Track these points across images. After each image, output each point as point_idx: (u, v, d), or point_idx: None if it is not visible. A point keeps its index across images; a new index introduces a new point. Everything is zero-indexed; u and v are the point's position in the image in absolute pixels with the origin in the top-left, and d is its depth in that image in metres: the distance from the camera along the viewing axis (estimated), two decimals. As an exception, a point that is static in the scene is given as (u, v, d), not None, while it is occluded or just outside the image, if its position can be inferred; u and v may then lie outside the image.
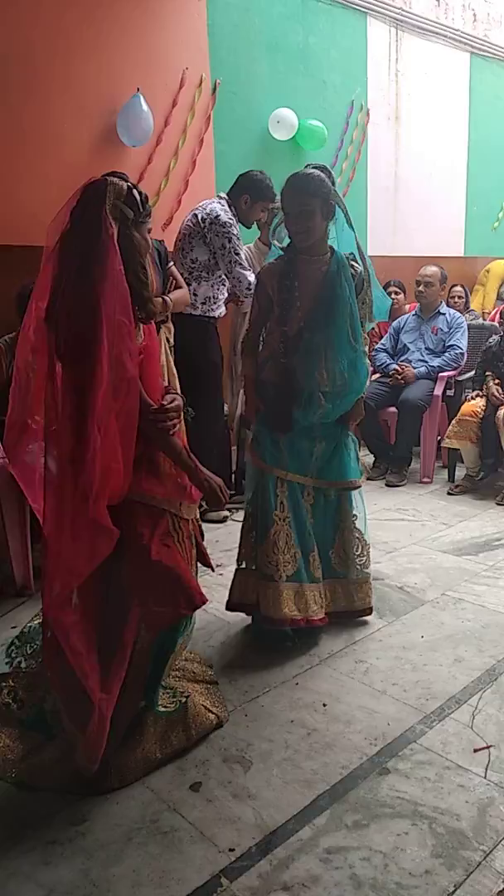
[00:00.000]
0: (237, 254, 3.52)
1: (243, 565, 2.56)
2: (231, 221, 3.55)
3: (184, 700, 1.99)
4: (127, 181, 1.75)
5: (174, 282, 3.12)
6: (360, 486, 2.62)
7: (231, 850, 1.62)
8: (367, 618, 2.68)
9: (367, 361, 2.53)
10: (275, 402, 2.44)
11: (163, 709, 1.94)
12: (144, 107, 3.94)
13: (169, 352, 3.10)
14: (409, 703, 2.15)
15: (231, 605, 2.58)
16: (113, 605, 1.81)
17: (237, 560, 2.58)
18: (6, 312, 3.17)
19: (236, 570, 2.57)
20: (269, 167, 3.79)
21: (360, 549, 2.65)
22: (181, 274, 3.32)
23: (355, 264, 2.43)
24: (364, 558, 2.66)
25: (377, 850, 1.60)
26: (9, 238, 3.56)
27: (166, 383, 2.93)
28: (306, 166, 2.36)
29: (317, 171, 2.32)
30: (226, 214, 3.55)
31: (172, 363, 3.09)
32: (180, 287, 3.14)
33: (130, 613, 1.81)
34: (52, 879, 1.56)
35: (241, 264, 3.53)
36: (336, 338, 2.37)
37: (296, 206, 2.28)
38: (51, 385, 1.72)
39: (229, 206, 3.61)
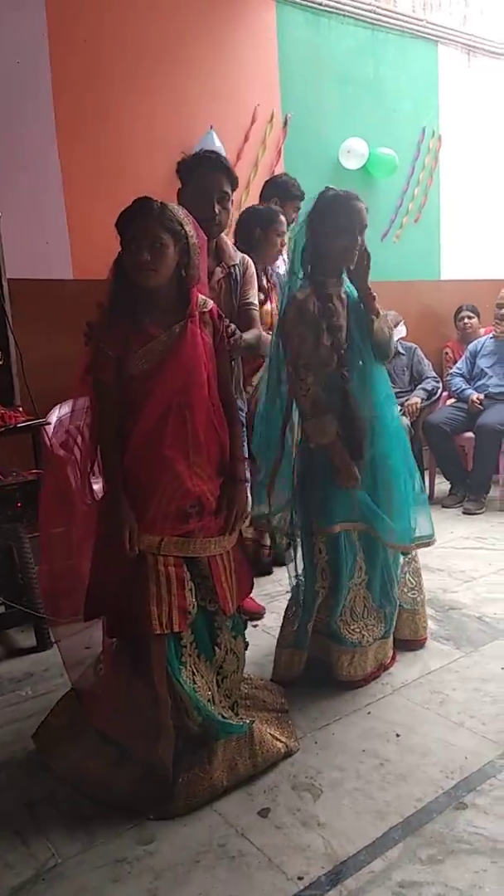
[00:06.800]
0: None
1: (285, 644, 2.36)
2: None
3: (248, 722, 1.95)
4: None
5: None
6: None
7: (300, 878, 1.57)
8: (443, 647, 2.59)
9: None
10: (347, 433, 2.20)
11: (223, 719, 1.89)
12: (217, 143, 4.05)
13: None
14: (489, 736, 2.05)
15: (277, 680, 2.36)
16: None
17: (279, 640, 2.38)
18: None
19: (279, 648, 2.37)
20: (340, 196, 3.79)
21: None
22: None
23: None
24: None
25: (453, 886, 1.52)
26: (85, 273, 3.66)
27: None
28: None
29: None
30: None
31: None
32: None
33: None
34: (120, 898, 1.55)
35: None
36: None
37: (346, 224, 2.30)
38: None
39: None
